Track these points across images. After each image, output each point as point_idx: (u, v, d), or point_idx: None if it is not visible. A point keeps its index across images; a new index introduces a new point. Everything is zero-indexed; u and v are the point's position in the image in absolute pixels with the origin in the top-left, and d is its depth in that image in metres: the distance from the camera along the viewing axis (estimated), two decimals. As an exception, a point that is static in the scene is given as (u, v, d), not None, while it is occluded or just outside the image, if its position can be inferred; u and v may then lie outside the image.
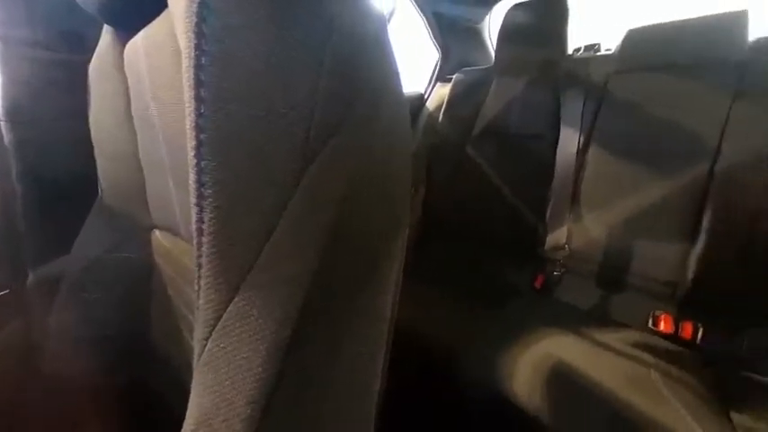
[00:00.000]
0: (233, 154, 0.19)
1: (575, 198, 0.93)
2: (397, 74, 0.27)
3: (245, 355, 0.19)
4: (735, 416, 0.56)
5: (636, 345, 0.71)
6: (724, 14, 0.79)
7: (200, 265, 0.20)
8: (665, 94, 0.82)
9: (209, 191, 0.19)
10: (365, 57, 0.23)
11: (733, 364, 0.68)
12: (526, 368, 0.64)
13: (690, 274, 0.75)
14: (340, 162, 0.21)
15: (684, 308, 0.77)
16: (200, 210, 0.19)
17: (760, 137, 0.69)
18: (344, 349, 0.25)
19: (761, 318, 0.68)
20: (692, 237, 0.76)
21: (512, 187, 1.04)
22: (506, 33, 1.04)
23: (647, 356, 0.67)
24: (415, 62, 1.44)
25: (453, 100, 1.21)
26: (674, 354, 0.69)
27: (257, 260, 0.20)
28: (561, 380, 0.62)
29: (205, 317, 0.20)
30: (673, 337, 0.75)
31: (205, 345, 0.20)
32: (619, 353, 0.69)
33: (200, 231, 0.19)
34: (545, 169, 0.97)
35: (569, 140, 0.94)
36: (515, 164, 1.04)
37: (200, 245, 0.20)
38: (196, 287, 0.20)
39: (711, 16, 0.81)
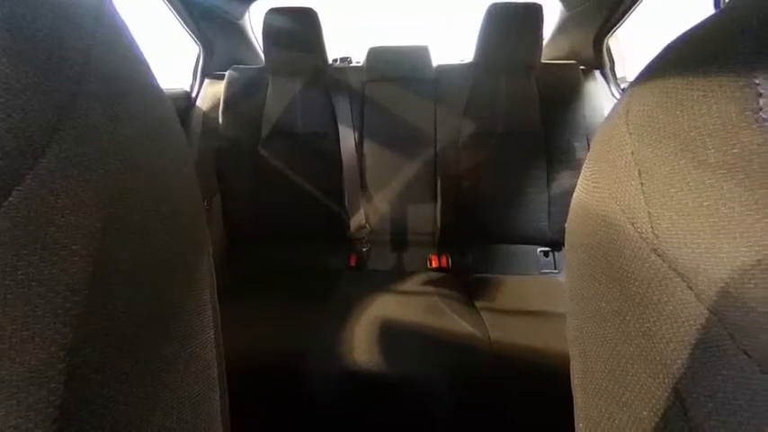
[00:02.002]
0: None
1: (363, 184, 1.12)
2: (143, 62, 0.21)
3: None
4: (477, 303, 0.90)
5: (424, 283, 0.97)
6: (417, 46, 1.16)
7: None
8: (400, 98, 1.13)
9: None
10: (78, 33, 0.17)
11: (468, 272, 1.07)
12: (361, 336, 0.74)
13: (438, 224, 1.10)
14: (69, 183, 0.15)
15: (441, 247, 1.13)
16: None
17: (450, 127, 1.09)
18: (160, 417, 0.19)
19: (475, 239, 1.11)
20: (434, 198, 1.11)
21: (310, 182, 1.11)
22: (271, 36, 1.06)
23: (431, 288, 0.94)
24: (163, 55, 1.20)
25: (231, 99, 1.12)
26: (443, 279, 1.01)
27: None
28: (385, 332, 0.76)
29: None
30: (439, 269, 1.08)
31: None
32: (415, 293, 0.92)
33: None
34: (334, 162, 1.11)
35: (348, 136, 1.11)
36: (308, 160, 1.11)
37: None
38: None
39: (413, 46, 1.17)
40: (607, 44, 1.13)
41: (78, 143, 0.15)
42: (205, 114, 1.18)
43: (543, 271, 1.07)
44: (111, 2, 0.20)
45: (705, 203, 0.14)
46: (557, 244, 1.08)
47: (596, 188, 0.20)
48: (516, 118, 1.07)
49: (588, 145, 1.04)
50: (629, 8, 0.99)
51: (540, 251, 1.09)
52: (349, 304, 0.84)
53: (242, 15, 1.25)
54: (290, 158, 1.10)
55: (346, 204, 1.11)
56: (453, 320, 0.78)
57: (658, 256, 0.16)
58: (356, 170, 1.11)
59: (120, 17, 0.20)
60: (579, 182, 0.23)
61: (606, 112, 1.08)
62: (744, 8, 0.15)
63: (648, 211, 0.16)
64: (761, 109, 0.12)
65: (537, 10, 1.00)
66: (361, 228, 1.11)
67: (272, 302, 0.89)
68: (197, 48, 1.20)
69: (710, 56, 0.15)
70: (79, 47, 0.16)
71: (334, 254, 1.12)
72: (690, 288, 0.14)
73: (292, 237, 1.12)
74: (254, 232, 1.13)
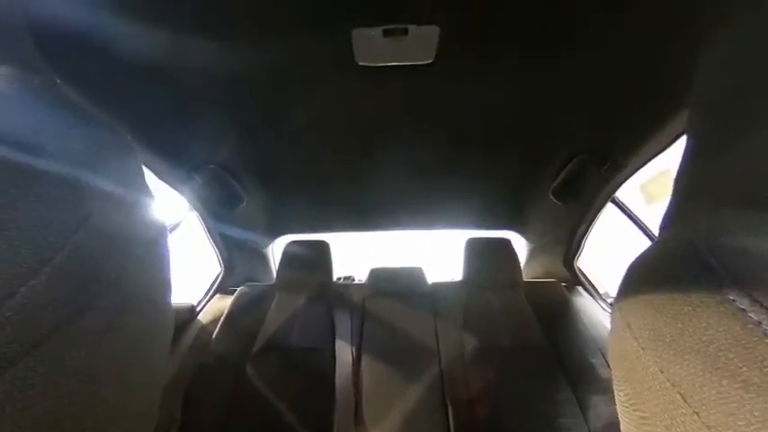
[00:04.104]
0: None
1: (358, 415, 0.93)
2: (166, 283, 0.24)
3: None
4: None
5: None
6: (414, 267, 1.33)
7: None
8: (399, 311, 1.16)
9: None
10: (128, 262, 0.19)
11: None
12: None
13: None
14: (11, 411, 0.13)
15: None
16: None
17: (453, 342, 1.05)
18: None
19: None
20: (447, 425, 0.88)
21: (294, 411, 0.92)
22: (288, 259, 1.24)
23: None
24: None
25: (234, 312, 1.15)
26: None
27: None
28: None
29: None
30: None
31: None
32: None
33: None
34: (326, 385, 0.97)
35: (345, 353, 1.04)
36: (297, 381, 0.98)
37: None
38: None
39: (410, 267, 1.33)
40: (577, 266, 1.30)
41: (55, 360, 0.14)
42: (203, 328, 1.16)
43: None
44: (166, 235, 0.25)
45: None
46: None
47: (645, 421, 0.18)
48: (518, 331, 1.05)
49: (605, 360, 0.96)
50: (583, 237, 1.22)
51: None
52: None
53: (267, 246, 1.52)
54: (276, 380, 0.98)
55: None
56: None
57: None
58: (351, 395, 0.95)
59: (167, 248, 0.25)
60: (620, 410, 0.20)
61: (604, 322, 1.07)
62: (674, 240, 0.18)
63: None
64: (760, 323, 0.13)
65: (506, 243, 1.22)
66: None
67: None
68: (219, 268, 1.36)
69: (672, 277, 0.16)
70: (119, 271, 0.18)
71: None
72: None
73: None
74: None
